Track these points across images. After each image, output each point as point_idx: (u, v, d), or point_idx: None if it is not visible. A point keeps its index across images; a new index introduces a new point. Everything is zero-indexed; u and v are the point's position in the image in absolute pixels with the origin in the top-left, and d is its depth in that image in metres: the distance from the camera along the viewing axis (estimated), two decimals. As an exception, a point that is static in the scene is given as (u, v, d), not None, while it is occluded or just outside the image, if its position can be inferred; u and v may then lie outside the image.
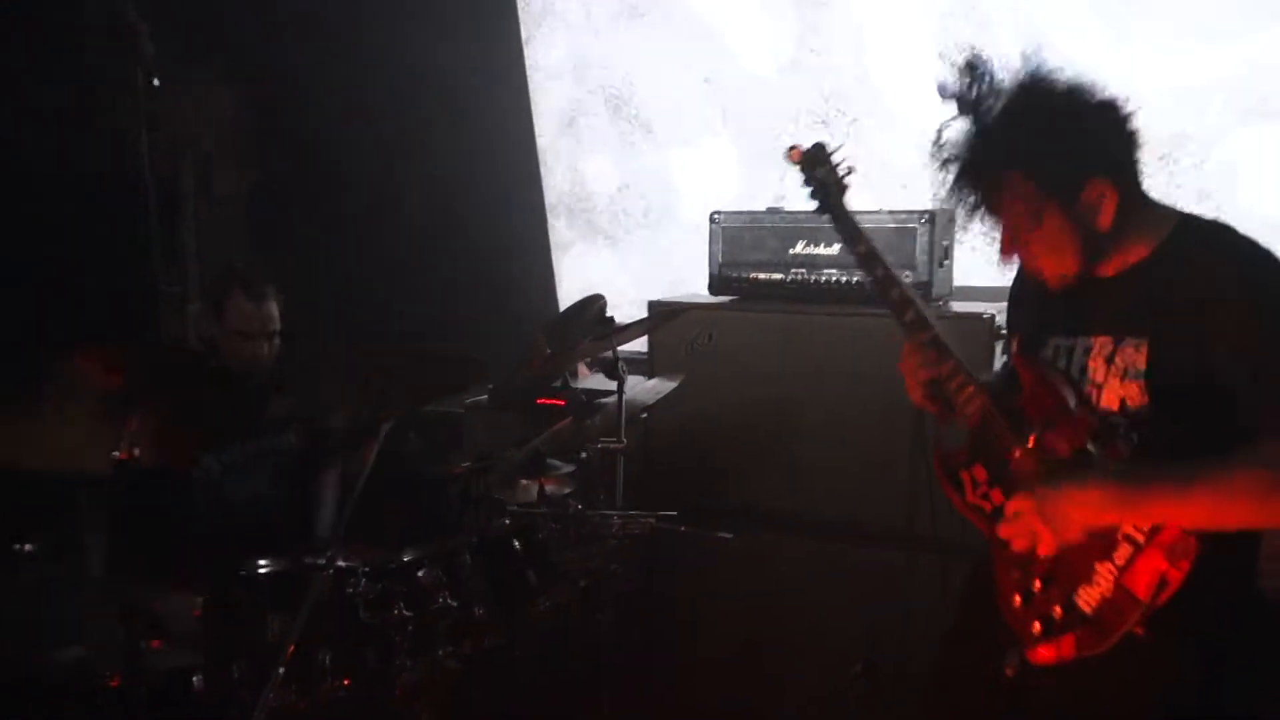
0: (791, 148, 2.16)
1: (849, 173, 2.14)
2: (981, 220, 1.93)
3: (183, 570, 2.52)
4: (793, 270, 3.35)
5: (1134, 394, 1.83)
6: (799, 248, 3.34)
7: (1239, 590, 1.82)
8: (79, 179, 4.05)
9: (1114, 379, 1.86)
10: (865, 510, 3.18)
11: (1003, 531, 1.88)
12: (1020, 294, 2.17)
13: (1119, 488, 1.75)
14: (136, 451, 2.14)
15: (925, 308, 2.07)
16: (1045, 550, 1.83)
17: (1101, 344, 1.89)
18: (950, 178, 1.90)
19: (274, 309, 3.05)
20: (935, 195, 1.96)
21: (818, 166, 2.15)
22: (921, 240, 3.15)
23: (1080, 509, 1.78)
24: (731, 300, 3.46)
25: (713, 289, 3.48)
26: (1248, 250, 1.81)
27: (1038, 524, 1.82)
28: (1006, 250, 1.94)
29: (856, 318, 3.21)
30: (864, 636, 3.11)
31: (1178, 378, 1.78)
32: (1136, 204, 1.87)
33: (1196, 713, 1.77)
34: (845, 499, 3.20)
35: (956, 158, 1.89)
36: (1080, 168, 1.83)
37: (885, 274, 2.08)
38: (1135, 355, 1.83)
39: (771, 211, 3.45)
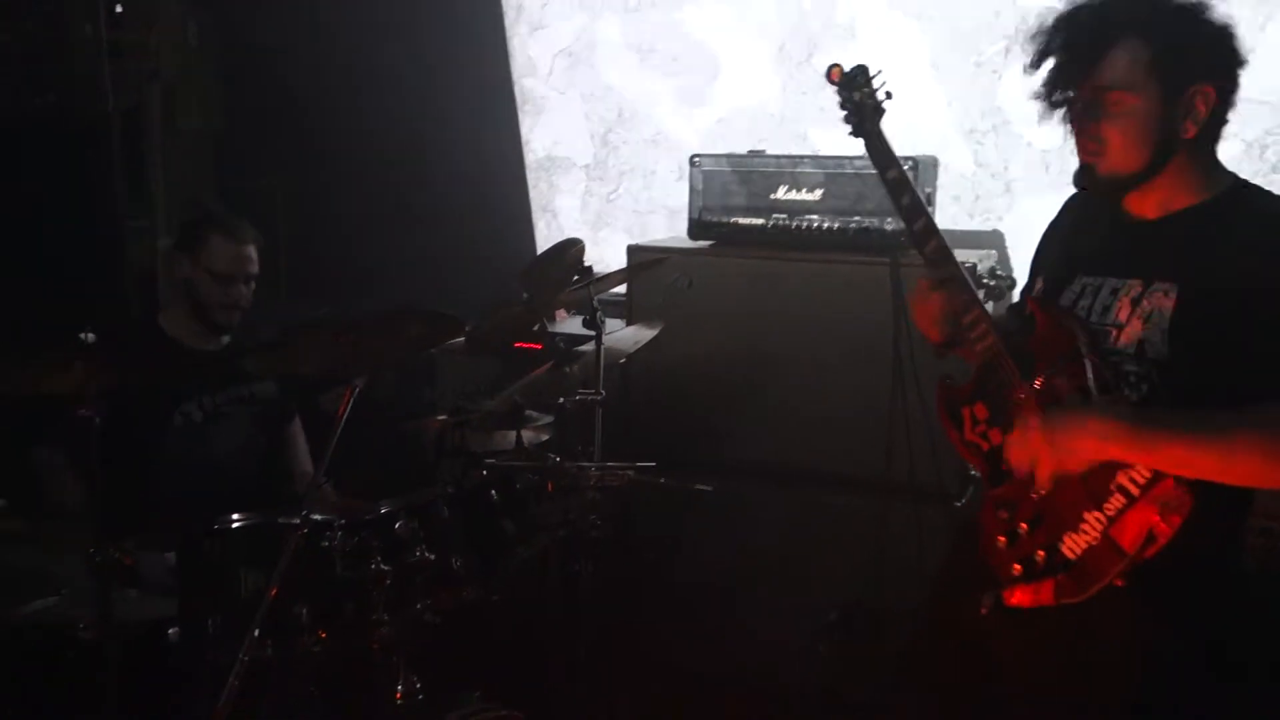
0: (832, 66, 2.10)
1: (888, 97, 2.08)
2: (1062, 95, 1.85)
3: (158, 521, 2.49)
4: (774, 215, 3.30)
5: (1155, 340, 1.80)
6: (780, 193, 3.29)
7: (1224, 555, 1.83)
8: (41, 109, 3.93)
9: (1137, 321, 1.82)
10: (843, 458, 3.18)
11: (1008, 448, 1.86)
12: (1054, 232, 2.12)
13: (1130, 424, 1.73)
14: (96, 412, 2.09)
15: (945, 241, 2.01)
16: (1043, 474, 1.80)
17: (1131, 286, 1.85)
18: (1056, 36, 1.82)
19: (253, 251, 2.99)
20: (1025, 64, 1.88)
21: (856, 89, 2.09)
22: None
23: (1087, 438, 1.75)
24: (711, 245, 3.41)
25: (692, 234, 3.43)
26: None
27: (1043, 446, 1.79)
28: (1081, 121, 1.86)
29: (838, 264, 3.18)
30: (840, 584, 3.13)
31: (1203, 330, 1.75)
32: (1210, 146, 1.83)
33: (1165, 671, 1.77)
34: (824, 447, 3.20)
35: (1063, 20, 1.82)
36: (1199, 63, 1.78)
37: (912, 201, 2.03)
38: (1164, 300, 1.79)
39: (753, 154, 3.39)
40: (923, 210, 2.03)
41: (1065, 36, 1.83)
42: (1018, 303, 2.25)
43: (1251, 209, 1.80)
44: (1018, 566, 1.84)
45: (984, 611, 1.88)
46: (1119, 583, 1.73)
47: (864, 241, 3.17)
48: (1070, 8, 1.84)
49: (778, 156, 3.33)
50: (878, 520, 3.13)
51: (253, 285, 3.00)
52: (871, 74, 2.08)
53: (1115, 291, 1.88)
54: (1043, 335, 1.91)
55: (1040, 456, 1.80)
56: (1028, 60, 1.87)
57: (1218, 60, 1.80)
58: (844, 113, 2.09)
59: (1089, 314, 1.90)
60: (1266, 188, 1.87)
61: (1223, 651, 1.79)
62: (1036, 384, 1.87)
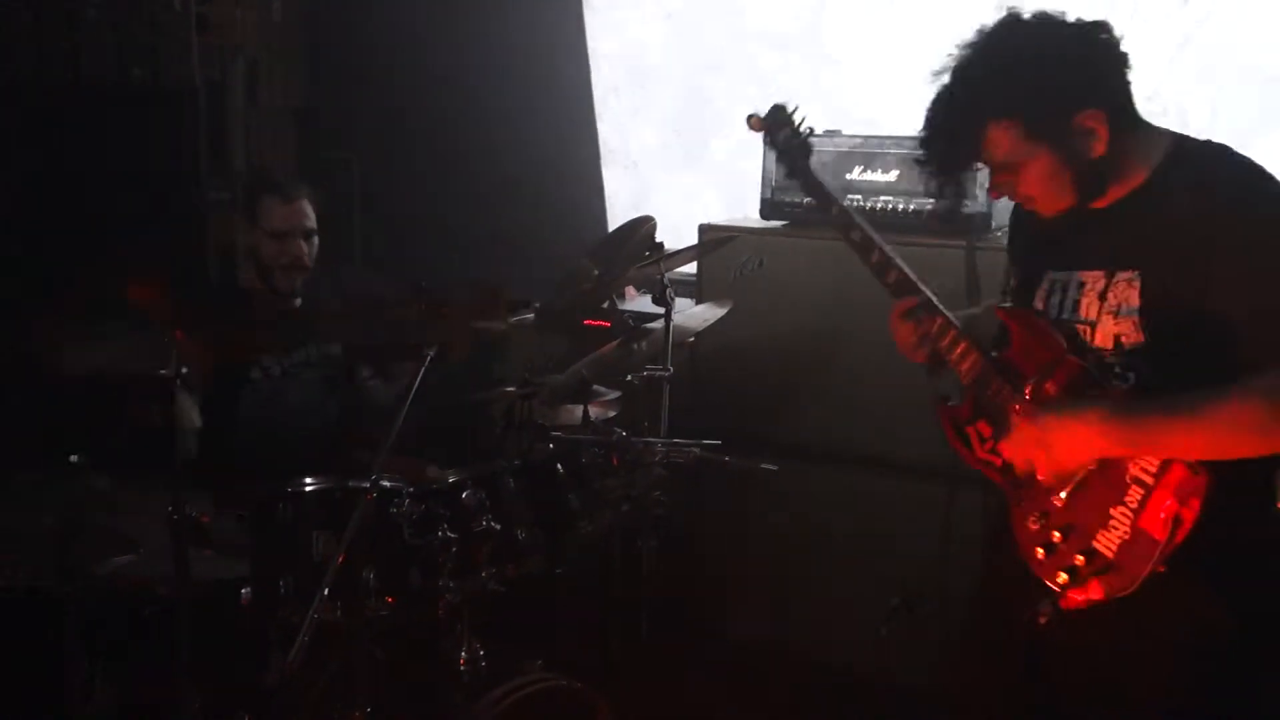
0: (750, 116, 2.11)
1: (811, 133, 2.09)
2: (971, 174, 1.89)
3: (233, 482, 2.55)
4: (848, 196, 3.26)
5: (1128, 331, 1.78)
6: (855, 173, 3.25)
7: (1258, 517, 1.78)
8: (129, 82, 4.03)
9: (1107, 316, 1.81)
10: (910, 443, 3.13)
11: (1004, 449, 1.87)
12: (1019, 223, 2.10)
13: (1118, 417, 1.72)
14: (184, 369, 2.14)
15: (905, 266, 2.04)
16: (1043, 475, 1.81)
17: (1094, 279, 1.84)
18: (931, 146, 1.84)
19: (308, 207, 3.05)
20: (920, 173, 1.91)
21: (779, 130, 2.09)
22: (982, 174, 3.04)
23: (1077, 436, 1.75)
24: (783, 226, 3.38)
25: (765, 213, 3.41)
26: (1243, 169, 1.74)
27: (1038, 452, 1.80)
28: (996, 195, 1.90)
29: (912, 247, 3.10)
30: (904, 569, 3.10)
31: (1172, 310, 1.73)
32: (1130, 129, 1.80)
33: (1228, 643, 1.76)
34: (891, 431, 3.16)
35: (932, 122, 1.83)
36: (1067, 102, 1.75)
37: (863, 237, 2.06)
38: (1128, 290, 1.78)
39: (828, 134, 3.35)
40: (874, 244, 2.04)
41: (939, 142, 1.84)
42: (988, 305, 2.23)
43: (1188, 176, 1.76)
44: (1062, 575, 1.81)
45: (1043, 622, 1.85)
46: (1161, 569, 1.71)
47: (939, 224, 3.12)
48: (930, 111, 1.84)
49: (853, 136, 3.29)
50: (943, 506, 3.09)
51: (315, 242, 3.05)
52: (790, 110, 2.08)
53: (1080, 287, 1.86)
54: (1020, 345, 1.90)
55: (1036, 460, 1.81)
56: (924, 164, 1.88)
57: (1081, 87, 1.76)
58: (774, 154, 2.11)
59: (1060, 310, 1.89)
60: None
61: (1276, 623, 1.78)
62: (1026, 394, 1.86)
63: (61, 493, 2.30)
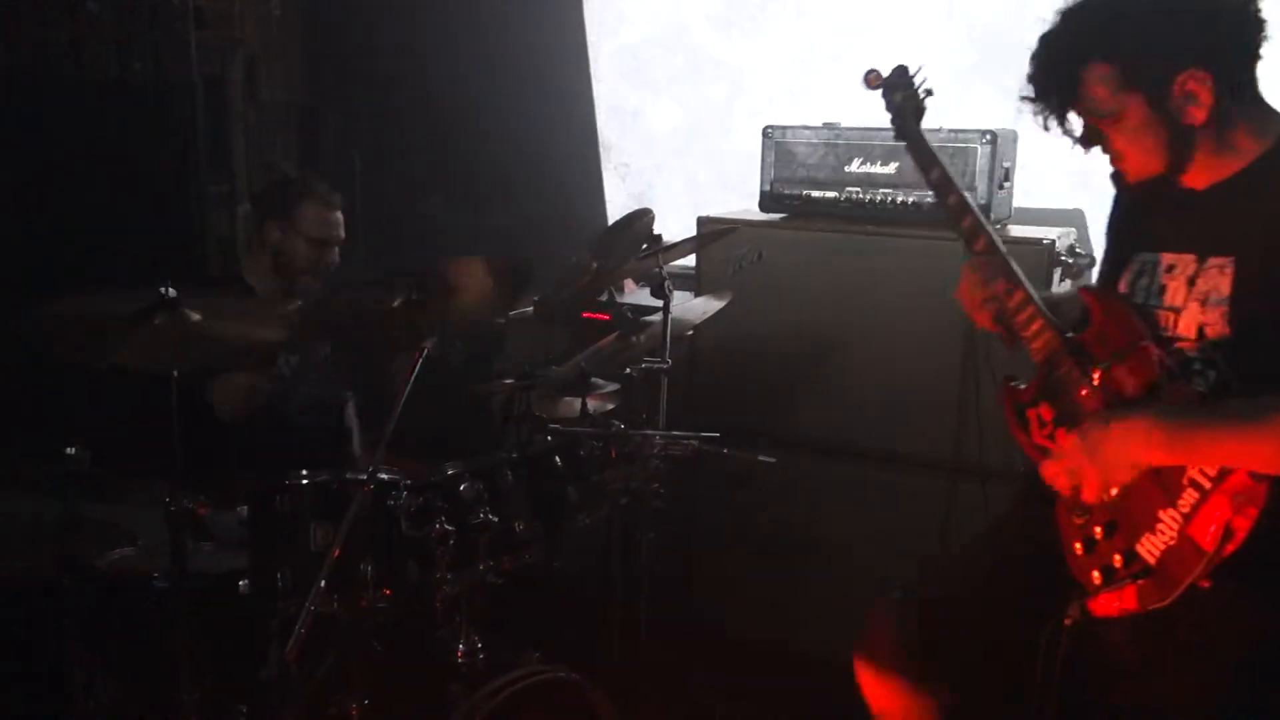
0: (869, 72, 2.07)
1: (928, 95, 2.05)
2: (1063, 123, 1.81)
3: (232, 475, 2.55)
4: (847, 189, 3.26)
5: (1215, 322, 1.71)
6: (854, 165, 3.25)
7: None
8: (128, 77, 4.02)
9: (1194, 303, 1.74)
10: (911, 437, 3.14)
11: (1044, 470, 1.78)
12: (1117, 208, 2.02)
13: (1168, 426, 1.64)
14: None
15: (997, 237, 1.96)
16: (1089, 494, 1.73)
17: (1184, 263, 1.77)
18: (1033, 81, 1.78)
19: (341, 216, 3.11)
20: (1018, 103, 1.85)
21: (897, 91, 2.06)
22: (982, 161, 3.05)
23: (1126, 447, 1.67)
24: (782, 218, 3.38)
25: (764, 206, 3.40)
26: None
27: (1085, 463, 1.72)
28: (1086, 146, 1.82)
29: (912, 239, 3.13)
30: (904, 563, 3.09)
31: (1262, 304, 1.65)
32: (1244, 105, 1.72)
33: (1260, 673, 1.66)
34: (891, 424, 3.16)
35: (1036, 58, 1.77)
36: (1171, 56, 1.68)
37: (958, 201, 1.98)
38: (1219, 278, 1.70)
39: (827, 127, 3.34)
40: (969, 208, 1.97)
41: (1040, 78, 1.79)
42: (1073, 288, 2.19)
43: None
44: (1097, 575, 1.74)
45: (1068, 623, 1.79)
46: (1204, 584, 1.63)
47: (938, 216, 3.11)
48: (1037, 44, 1.80)
49: (852, 129, 3.29)
50: (944, 500, 3.08)
51: (339, 250, 3.07)
52: (912, 73, 2.05)
53: (1171, 269, 1.79)
54: (1099, 326, 1.82)
55: (1084, 475, 1.73)
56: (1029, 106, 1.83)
57: (1192, 44, 1.69)
58: (888, 114, 2.07)
59: (1146, 295, 1.83)
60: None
61: None
62: (1095, 378, 1.78)
63: (60, 485, 2.30)
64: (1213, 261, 1.73)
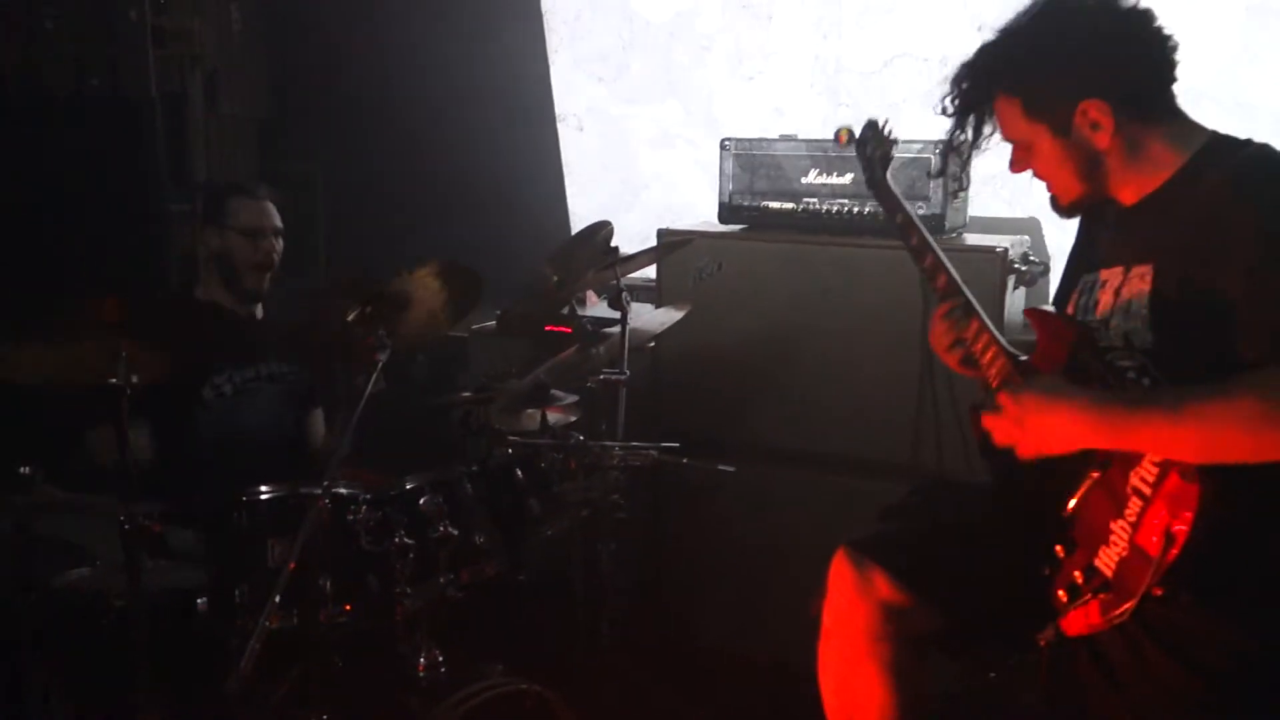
0: (839, 130, 2.17)
1: (894, 144, 2.15)
2: (986, 148, 1.92)
3: (187, 493, 2.54)
4: (804, 200, 3.29)
5: (1138, 328, 1.75)
6: (811, 176, 3.28)
7: (1263, 541, 1.65)
8: (86, 93, 4.00)
9: (1119, 313, 1.78)
10: (870, 444, 3.17)
11: (985, 422, 1.82)
12: (1076, 238, 2.09)
13: (1099, 406, 1.66)
14: (134, 379, 2.13)
15: (956, 275, 2.03)
16: (1023, 452, 1.75)
17: (1114, 276, 1.81)
18: (951, 106, 1.88)
19: (272, 207, 3.11)
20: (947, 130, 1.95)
21: (868, 145, 2.15)
22: (935, 171, 3.09)
23: (1057, 419, 1.69)
24: (742, 229, 3.41)
25: (723, 217, 3.43)
26: (1267, 167, 1.69)
27: (1016, 425, 1.74)
28: (1015, 170, 1.91)
29: (868, 249, 3.16)
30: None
31: (1179, 306, 1.69)
32: (1156, 125, 1.78)
33: (1232, 678, 1.63)
34: (851, 432, 3.19)
35: (953, 85, 1.86)
36: (1070, 88, 1.76)
37: (920, 241, 2.08)
38: (1140, 284, 1.75)
39: (784, 139, 3.38)
40: (929, 249, 2.06)
41: (956, 104, 1.90)
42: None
43: (1216, 172, 1.72)
44: (1063, 593, 1.75)
45: (1043, 644, 1.80)
46: (1157, 592, 1.62)
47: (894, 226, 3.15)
48: (953, 73, 1.89)
49: (808, 140, 3.32)
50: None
51: (280, 244, 3.08)
52: (881, 126, 2.15)
53: (1104, 284, 1.84)
54: (1042, 346, 1.87)
55: (1015, 436, 1.76)
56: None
57: (1090, 75, 1.76)
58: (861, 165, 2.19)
59: (1084, 312, 1.88)
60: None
61: None
62: None
63: (14, 504, 2.28)
64: (1135, 270, 1.78)
